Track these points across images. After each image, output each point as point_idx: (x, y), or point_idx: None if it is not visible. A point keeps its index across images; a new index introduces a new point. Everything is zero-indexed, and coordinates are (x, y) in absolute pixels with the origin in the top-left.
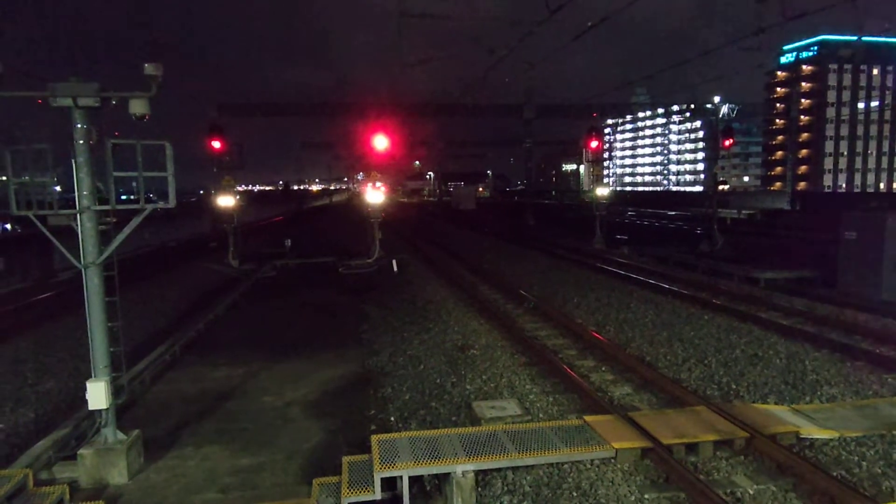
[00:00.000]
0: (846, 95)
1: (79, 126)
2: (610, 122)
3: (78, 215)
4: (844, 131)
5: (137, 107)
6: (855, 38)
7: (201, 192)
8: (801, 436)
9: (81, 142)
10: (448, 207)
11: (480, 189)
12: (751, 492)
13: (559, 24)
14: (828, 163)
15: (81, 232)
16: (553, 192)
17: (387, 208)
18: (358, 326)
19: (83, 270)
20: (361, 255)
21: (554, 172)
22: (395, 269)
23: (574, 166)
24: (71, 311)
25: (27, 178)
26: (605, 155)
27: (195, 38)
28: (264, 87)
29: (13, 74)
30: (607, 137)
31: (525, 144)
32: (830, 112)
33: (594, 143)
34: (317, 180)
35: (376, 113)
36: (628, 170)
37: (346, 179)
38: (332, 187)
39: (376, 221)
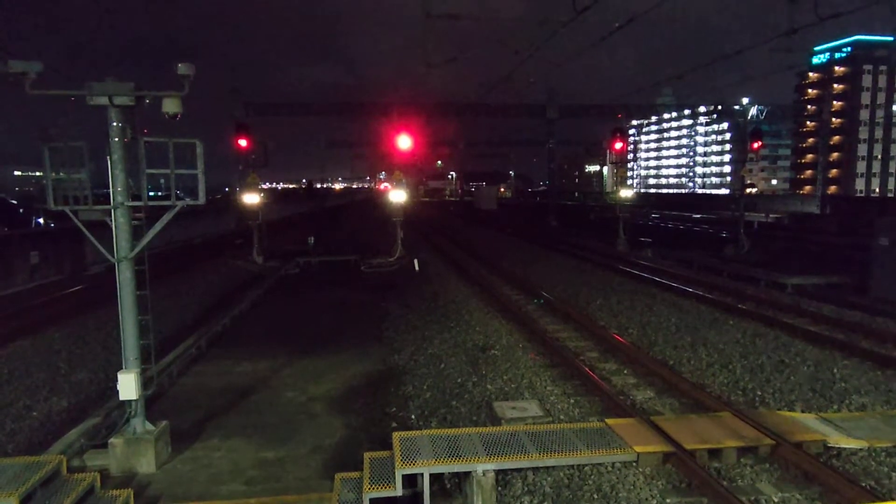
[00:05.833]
0: (881, 97)
1: (114, 124)
2: (635, 122)
3: (112, 211)
4: (878, 134)
5: (170, 106)
6: (891, 38)
7: (226, 189)
8: (829, 444)
9: (116, 139)
10: (470, 207)
11: (502, 189)
12: (775, 500)
13: (585, 25)
14: (860, 166)
15: (115, 227)
16: (576, 194)
17: (408, 208)
18: (380, 324)
19: (116, 264)
20: (383, 254)
21: (577, 173)
22: (417, 268)
23: (597, 167)
24: (101, 305)
25: (63, 174)
26: (630, 156)
27: (218, 37)
28: (287, 87)
29: (50, 73)
30: (632, 138)
31: (548, 145)
32: (864, 114)
33: (618, 145)
34: (339, 179)
35: (399, 112)
36: (653, 171)
37: (367, 178)
38: (354, 186)
39: (398, 220)
